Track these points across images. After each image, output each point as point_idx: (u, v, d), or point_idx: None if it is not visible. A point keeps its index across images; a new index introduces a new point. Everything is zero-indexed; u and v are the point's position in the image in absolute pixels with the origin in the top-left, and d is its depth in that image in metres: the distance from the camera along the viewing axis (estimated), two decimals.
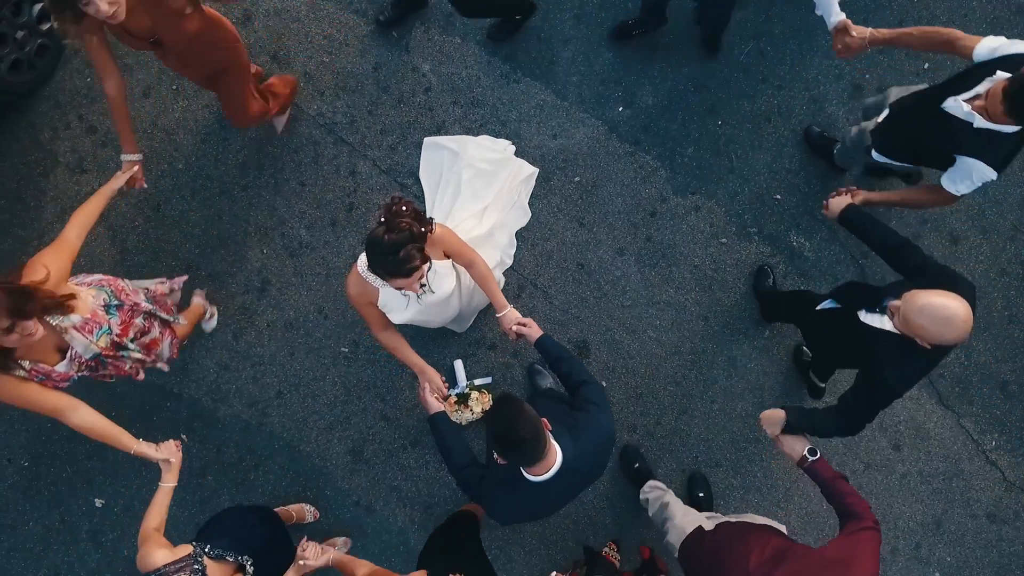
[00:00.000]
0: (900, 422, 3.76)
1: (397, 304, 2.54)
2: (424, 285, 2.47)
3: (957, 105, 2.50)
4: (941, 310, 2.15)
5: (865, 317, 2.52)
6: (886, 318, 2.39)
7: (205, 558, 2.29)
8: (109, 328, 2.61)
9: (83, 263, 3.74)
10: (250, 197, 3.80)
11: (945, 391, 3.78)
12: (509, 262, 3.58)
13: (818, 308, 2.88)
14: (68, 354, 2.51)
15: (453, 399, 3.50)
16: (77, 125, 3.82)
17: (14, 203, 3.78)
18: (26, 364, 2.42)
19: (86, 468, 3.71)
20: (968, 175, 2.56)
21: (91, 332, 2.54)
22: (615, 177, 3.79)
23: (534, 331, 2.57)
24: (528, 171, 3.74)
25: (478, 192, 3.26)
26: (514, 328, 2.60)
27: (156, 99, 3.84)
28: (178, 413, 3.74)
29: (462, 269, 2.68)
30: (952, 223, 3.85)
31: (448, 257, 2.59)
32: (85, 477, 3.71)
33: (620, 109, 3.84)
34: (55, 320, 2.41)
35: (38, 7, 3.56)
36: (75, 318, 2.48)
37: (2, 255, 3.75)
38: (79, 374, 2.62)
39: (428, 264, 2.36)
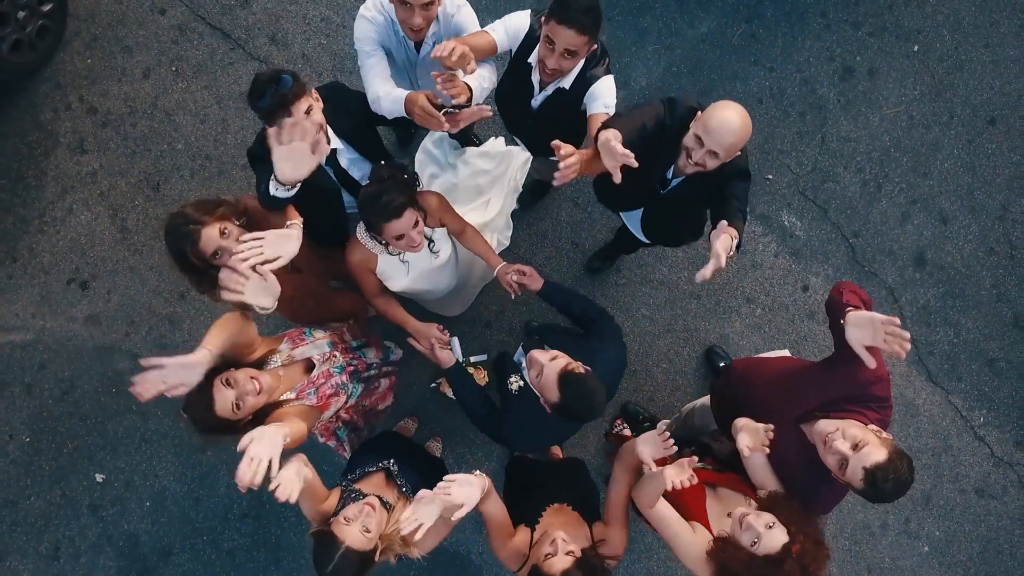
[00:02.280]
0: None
1: (396, 272, 2.59)
2: (432, 242, 2.54)
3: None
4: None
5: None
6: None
7: (353, 485, 2.31)
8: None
9: (84, 241, 3.79)
10: (248, 177, 3.84)
11: (935, 368, 3.84)
12: (506, 243, 3.62)
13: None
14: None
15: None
16: (78, 106, 3.86)
17: (15, 182, 3.82)
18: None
19: (87, 444, 3.75)
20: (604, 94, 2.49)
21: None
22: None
23: (535, 281, 2.58)
24: (523, 158, 3.78)
25: (480, 188, 3.30)
26: (514, 279, 2.60)
27: (155, 80, 3.88)
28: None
29: (460, 246, 2.73)
30: (942, 203, 3.90)
31: (443, 225, 2.64)
32: (86, 453, 3.75)
33: (617, 90, 3.88)
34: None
35: None
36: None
37: (4, 233, 3.79)
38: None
39: (423, 214, 2.40)
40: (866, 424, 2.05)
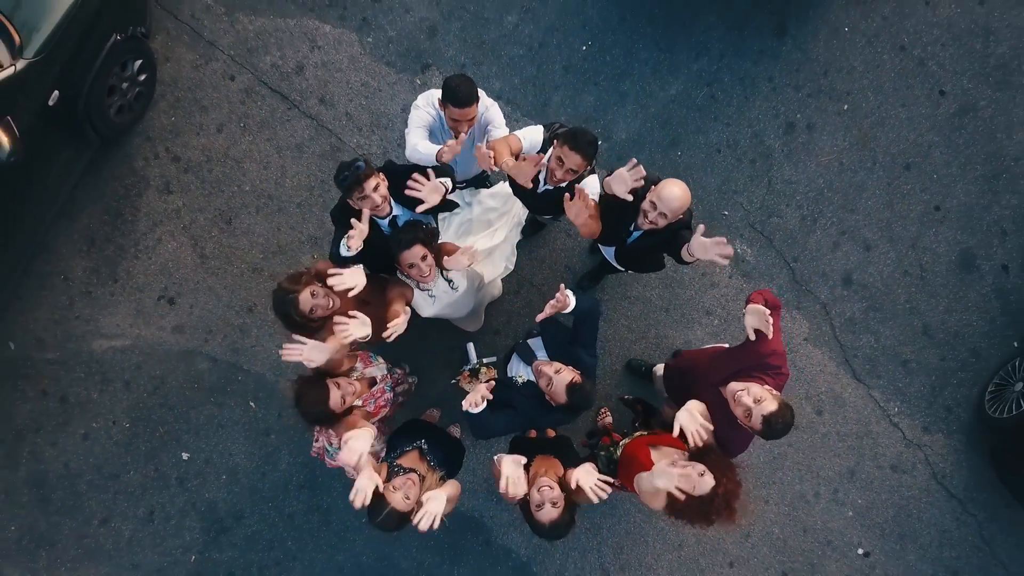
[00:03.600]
0: (822, 392, 4.72)
1: (424, 303, 3.50)
2: (451, 281, 3.43)
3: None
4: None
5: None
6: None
7: (396, 461, 3.15)
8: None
9: (170, 265, 4.70)
10: (303, 213, 4.74)
11: (858, 368, 4.74)
12: (511, 267, 4.52)
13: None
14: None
15: (467, 373, 4.43)
16: (164, 155, 4.76)
17: (115, 218, 4.72)
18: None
19: (174, 429, 4.66)
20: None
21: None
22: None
23: (566, 305, 3.17)
24: None
25: (491, 223, 4.18)
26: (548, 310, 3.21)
27: (227, 134, 4.78)
28: (247, 385, 4.69)
29: (474, 276, 3.62)
30: (866, 234, 4.80)
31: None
32: (173, 436, 4.66)
33: (600, 143, 4.77)
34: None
35: (138, 63, 4.49)
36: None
37: (107, 259, 4.69)
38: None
39: (434, 254, 3.24)
40: (764, 385, 2.94)
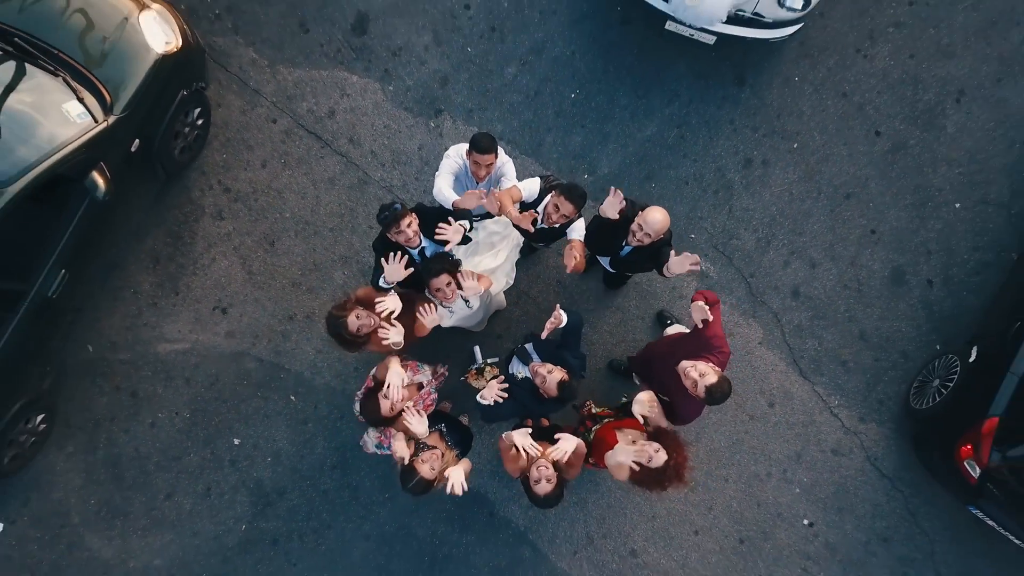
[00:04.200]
0: (773, 388, 5.59)
1: (446, 316, 4.36)
2: (467, 301, 4.29)
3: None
4: None
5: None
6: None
7: (423, 440, 4.02)
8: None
9: (223, 280, 5.55)
10: (335, 236, 5.60)
11: (804, 367, 5.61)
12: (511, 282, 5.36)
13: None
14: None
15: (474, 372, 5.28)
16: (217, 187, 5.62)
17: (176, 240, 5.58)
18: None
19: (227, 418, 5.52)
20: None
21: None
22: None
23: (561, 321, 4.11)
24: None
25: (494, 245, 5.03)
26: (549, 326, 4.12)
27: (270, 169, 5.64)
28: (288, 381, 5.55)
29: (484, 294, 4.48)
30: (812, 254, 5.65)
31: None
32: (227, 424, 5.53)
33: (586, 176, 5.64)
34: None
35: (197, 111, 5.34)
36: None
37: (170, 275, 5.55)
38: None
39: (456, 281, 4.11)
40: (708, 363, 3.80)
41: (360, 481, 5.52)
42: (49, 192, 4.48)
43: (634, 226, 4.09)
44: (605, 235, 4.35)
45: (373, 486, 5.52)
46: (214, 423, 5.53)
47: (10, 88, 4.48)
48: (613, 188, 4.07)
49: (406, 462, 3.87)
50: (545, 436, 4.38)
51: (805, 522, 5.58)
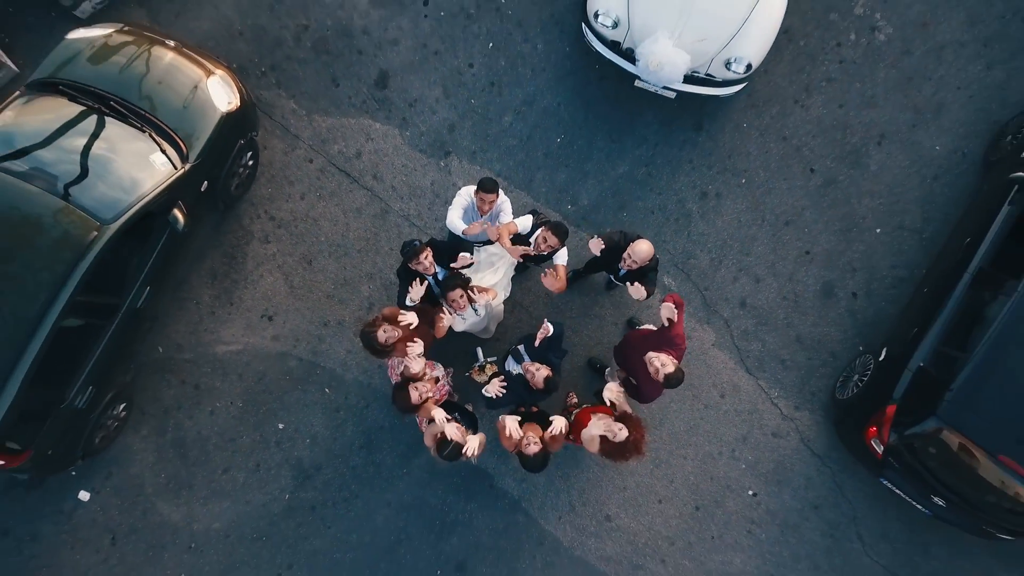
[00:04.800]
0: (724, 382, 6.75)
1: (458, 322, 5.53)
2: (476, 309, 5.46)
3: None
4: None
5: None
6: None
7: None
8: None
9: (269, 293, 6.71)
10: (362, 256, 6.76)
11: (750, 365, 6.77)
12: (507, 295, 6.51)
13: None
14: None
15: (476, 368, 6.45)
16: (263, 215, 6.78)
17: (230, 259, 6.74)
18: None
19: (273, 407, 6.68)
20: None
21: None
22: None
23: (547, 331, 5.36)
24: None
25: (493, 264, 6.17)
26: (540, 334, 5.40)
27: (307, 200, 6.80)
28: (323, 376, 6.71)
29: (489, 304, 5.65)
30: (757, 271, 6.82)
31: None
32: (272, 412, 6.69)
33: (569, 206, 6.81)
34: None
35: (249, 154, 6.48)
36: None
37: (225, 289, 6.71)
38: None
39: (469, 291, 5.29)
40: (668, 355, 4.98)
41: (383, 459, 6.69)
42: (140, 225, 5.64)
43: (625, 255, 5.27)
44: (607, 261, 5.53)
45: (394, 463, 6.68)
46: (262, 411, 6.69)
47: (107, 143, 5.63)
48: (595, 236, 5.30)
49: (439, 436, 5.05)
50: (534, 419, 5.56)
51: (750, 492, 6.75)
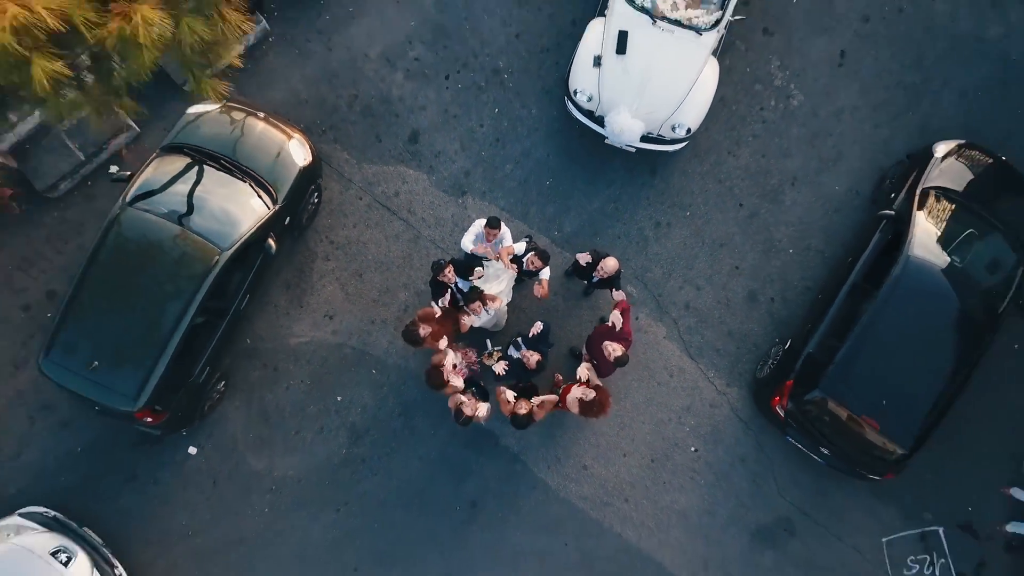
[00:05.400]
0: (672, 366, 8.94)
1: (477, 320, 7.74)
2: (488, 311, 7.67)
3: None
4: None
5: None
6: None
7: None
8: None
9: (333, 299, 8.91)
10: (400, 270, 8.94)
11: (693, 353, 8.96)
12: (509, 299, 8.68)
13: None
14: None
15: (487, 355, 8.60)
16: (325, 240, 8.95)
17: (299, 274, 8.92)
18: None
19: (332, 384, 8.84)
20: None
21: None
22: (552, 262, 8.94)
23: (538, 328, 7.61)
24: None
25: (498, 276, 8.33)
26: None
27: (358, 228, 8.98)
28: (371, 362, 8.89)
29: (498, 307, 7.85)
30: (697, 282, 9.00)
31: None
32: (331, 388, 8.84)
33: (556, 232, 9.00)
34: None
35: (316, 194, 8.66)
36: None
37: (295, 297, 8.90)
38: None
39: (483, 302, 7.52)
40: (619, 344, 7.21)
41: (416, 424, 8.87)
42: (244, 251, 7.82)
43: (598, 268, 7.49)
44: (586, 272, 7.77)
45: (425, 427, 8.87)
46: (324, 387, 8.89)
47: (222, 191, 7.82)
48: (583, 254, 7.55)
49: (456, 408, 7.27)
50: (527, 392, 7.76)
51: (692, 449, 8.94)
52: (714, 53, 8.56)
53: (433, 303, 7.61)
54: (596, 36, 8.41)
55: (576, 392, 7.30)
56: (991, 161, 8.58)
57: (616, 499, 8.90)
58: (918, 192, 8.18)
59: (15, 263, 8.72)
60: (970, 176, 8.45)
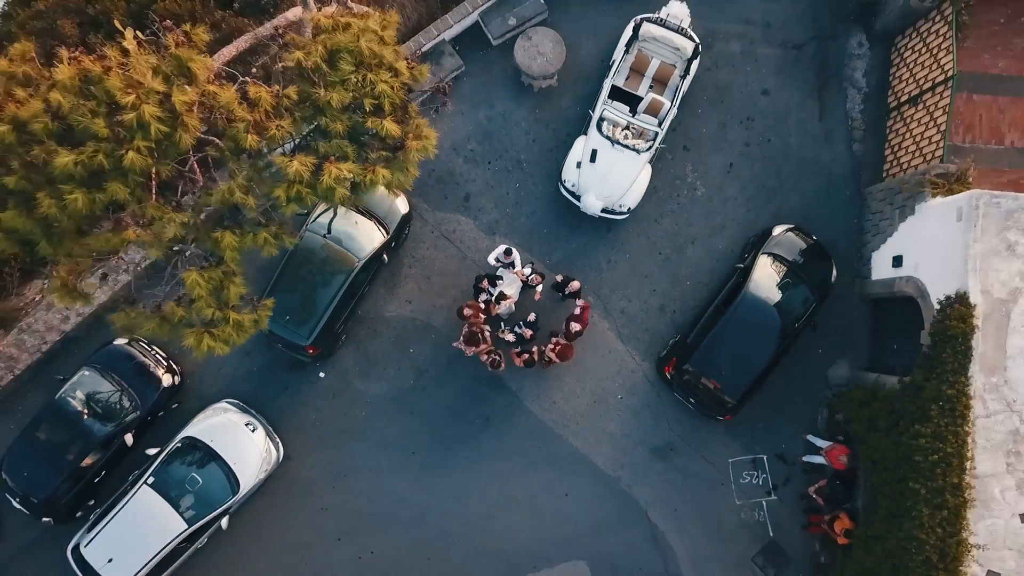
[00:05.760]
0: (610, 345, 14.91)
1: (501, 310, 13.74)
2: (506, 305, 13.69)
3: None
4: None
5: None
6: None
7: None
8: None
9: (410, 290, 14.94)
10: (453, 278, 14.92)
11: (623, 338, 14.92)
12: (516, 298, 14.60)
13: None
14: None
15: (500, 331, 14.49)
16: (409, 256, 14.95)
17: (392, 274, 14.92)
18: None
19: (408, 342, 14.82)
20: None
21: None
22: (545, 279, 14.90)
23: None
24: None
25: (513, 282, 14.27)
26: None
27: (428, 251, 14.99)
28: (431, 329, 14.88)
29: (511, 302, 13.83)
30: (631, 296, 14.98)
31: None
32: (407, 344, 14.84)
33: (546, 261, 14.99)
34: None
35: (407, 230, 14.63)
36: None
37: (389, 288, 14.91)
38: None
39: (504, 299, 13.54)
40: (580, 325, 13.26)
41: (457, 368, 14.81)
42: (370, 260, 13.82)
43: (567, 286, 13.49)
44: (559, 286, 13.80)
45: (461, 372, 14.80)
46: (402, 343, 14.87)
47: (359, 226, 13.82)
48: (559, 276, 13.57)
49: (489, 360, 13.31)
50: (526, 354, 13.79)
51: (619, 397, 14.88)
52: (650, 161, 14.52)
53: (474, 299, 13.60)
54: (579, 149, 14.40)
55: (550, 345, 13.34)
56: (807, 239, 14.51)
57: (571, 423, 14.85)
58: (759, 255, 14.13)
59: None
60: (793, 247, 14.37)
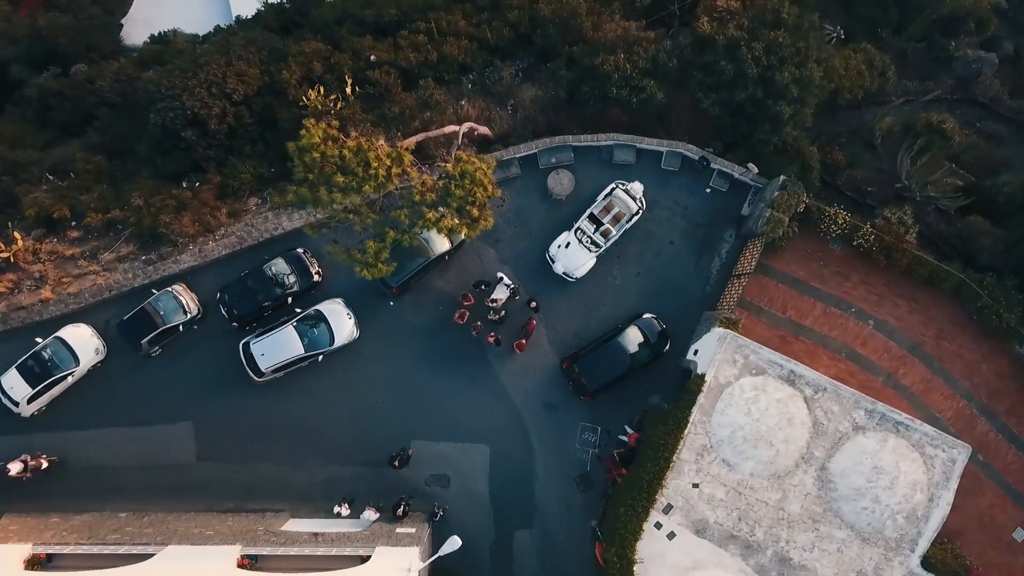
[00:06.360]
0: (545, 346, 27.52)
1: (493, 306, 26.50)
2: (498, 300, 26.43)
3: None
4: None
5: None
6: None
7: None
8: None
9: (447, 281, 27.67)
10: (472, 276, 27.58)
11: (551, 339, 27.56)
12: (504, 298, 27.12)
13: None
14: None
15: (489, 314, 27.00)
16: (454, 265, 27.65)
17: (446, 269, 27.58)
18: None
19: (436, 302, 27.46)
20: None
21: None
22: (521, 298, 27.49)
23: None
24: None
25: (502, 291, 26.85)
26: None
27: (467, 263, 27.67)
28: (448, 301, 27.52)
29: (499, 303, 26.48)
30: (566, 323, 27.61)
31: None
32: (436, 303, 27.52)
33: (529, 288, 27.64)
34: None
35: (460, 243, 27.28)
36: None
37: (457, 274, 27.59)
38: None
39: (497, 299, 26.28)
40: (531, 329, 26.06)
41: (459, 328, 27.41)
42: (440, 257, 26.57)
43: (531, 303, 26.27)
44: (528, 302, 26.57)
45: (462, 333, 27.36)
46: (439, 301, 27.50)
47: (441, 238, 26.58)
48: (529, 297, 26.41)
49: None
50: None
51: (537, 370, 27.47)
52: (596, 257, 27.13)
53: (470, 292, 26.36)
54: (562, 237, 27.16)
55: (518, 338, 26.03)
56: (660, 324, 27.09)
57: (509, 376, 27.36)
58: (632, 323, 26.76)
59: None
60: (651, 326, 26.96)
